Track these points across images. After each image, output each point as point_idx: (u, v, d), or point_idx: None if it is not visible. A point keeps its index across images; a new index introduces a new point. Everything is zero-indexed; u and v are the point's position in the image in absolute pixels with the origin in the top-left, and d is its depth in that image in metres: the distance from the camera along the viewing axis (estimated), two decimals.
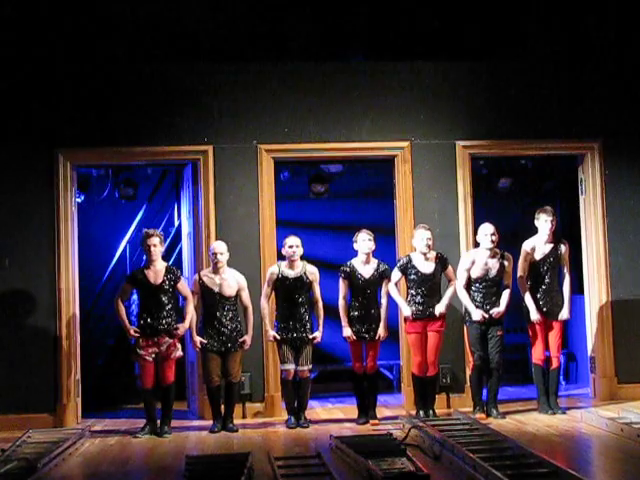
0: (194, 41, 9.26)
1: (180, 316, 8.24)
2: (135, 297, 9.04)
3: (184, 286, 8.31)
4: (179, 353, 8.15)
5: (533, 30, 9.58)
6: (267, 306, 8.29)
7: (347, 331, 8.27)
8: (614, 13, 9.55)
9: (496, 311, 8.33)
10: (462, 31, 9.54)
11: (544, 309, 8.42)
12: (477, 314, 8.29)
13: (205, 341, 8.16)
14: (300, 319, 8.20)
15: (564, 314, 8.47)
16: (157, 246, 8.13)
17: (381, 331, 8.25)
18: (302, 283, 8.23)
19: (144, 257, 8.55)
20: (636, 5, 9.46)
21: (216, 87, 9.13)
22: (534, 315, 8.38)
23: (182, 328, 8.13)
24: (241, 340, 8.22)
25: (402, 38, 9.50)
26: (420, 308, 8.27)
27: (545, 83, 9.45)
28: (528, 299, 8.43)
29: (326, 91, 9.25)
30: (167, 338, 8.04)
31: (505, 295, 8.39)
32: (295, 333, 8.16)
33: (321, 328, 8.28)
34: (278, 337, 8.20)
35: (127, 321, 8.12)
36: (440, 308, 8.28)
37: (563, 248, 8.53)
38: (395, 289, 8.38)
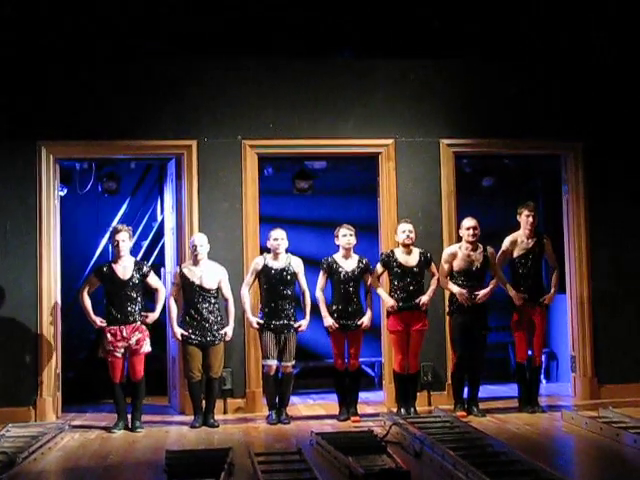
0: (179, 36, 9.21)
1: (151, 310, 8.23)
2: None
3: (154, 279, 8.31)
4: (148, 348, 8.12)
5: (517, 31, 9.58)
6: (247, 294, 8.30)
7: (328, 321, 8.26)
8: (596, 17, 9.58)
9: (482, 293, 8.36)
10: (448, 31, 9.54)
11: (527, 296, 8.46)
12: (462, 294, 8.30)
13: (186, 333, 8.15)
14: (284, 310, 8.20)
15: (547, 298, 8.52)
16: (125, 241, 8.13)
17: (365, 319, 8.26)
18: (287, 274, 8.23)
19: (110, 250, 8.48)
20: (618, 9, 9.50)
21: (201, 82, 9.10)
22: (517, 300, 8.43)
23: (151, 317, 8.14)
24: (222, 332, 8.21)
25: (389, 36, 9.50)
26: (403, 300, 8.27)
27: (529, 83, 9.48)
28: (510, 288, 8.49)
29: (311, 87, 9.24)
30: (136, 332, 8.03)
31: (492, 282, 8.44)
32: (279, 321, 8.17)
33: (307, 317, 8.29)
34: (261, 321, 8.19)
35: (92, 312, 8.09)
36: (424, 299, 8.29)
37: (546, 242, 8.60)
38: (378, 282, 8.40)
